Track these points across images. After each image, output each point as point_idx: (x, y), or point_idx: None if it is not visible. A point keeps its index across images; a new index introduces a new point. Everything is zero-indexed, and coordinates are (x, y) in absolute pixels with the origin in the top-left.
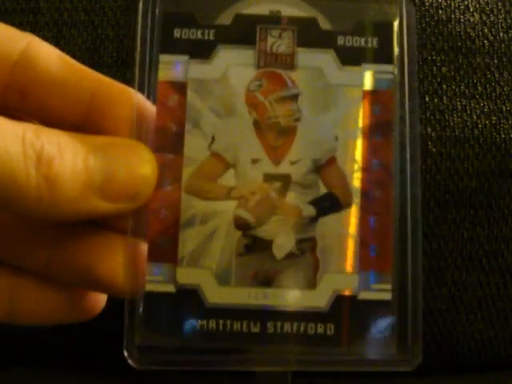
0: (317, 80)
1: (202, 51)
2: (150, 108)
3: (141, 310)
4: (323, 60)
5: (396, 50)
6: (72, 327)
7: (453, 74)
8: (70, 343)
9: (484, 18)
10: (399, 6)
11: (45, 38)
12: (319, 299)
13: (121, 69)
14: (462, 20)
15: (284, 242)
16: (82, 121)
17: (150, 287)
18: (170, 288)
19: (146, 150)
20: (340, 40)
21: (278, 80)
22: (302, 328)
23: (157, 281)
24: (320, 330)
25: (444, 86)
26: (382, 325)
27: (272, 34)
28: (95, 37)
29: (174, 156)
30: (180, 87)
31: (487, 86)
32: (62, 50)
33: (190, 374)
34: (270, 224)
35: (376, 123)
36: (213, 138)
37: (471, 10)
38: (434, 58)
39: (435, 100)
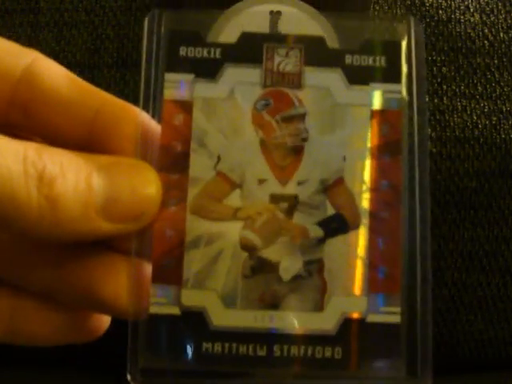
0: (324, 99)
1: (208, 70)
2: (155, 127)
3: (144, 332)
4: (331, 79)
5: (404, 68)
6: None
7: (453, 74)
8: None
9: (484, 19)
10: (407, 25)
11: (45, 38)
12: (327, 322)
13: (121, 69)
14: (462, 20)
15: (291, 264)
16: (85, 139)
17: (154, 309)
18: (175, 310)
19: (150, 169)
20: (348, 59)
21: (284, 99)
22: (309, 351)
23: (161, 303)
24: (327, 353)
25: (444, 87)
26: (390, 348)
27: (279, 52)
28: (95, 37)
29: (179, 176)
30: (186, 106)
31: (487, 86)
32: (63, 50)
33: None
34: (276, 245)
35: (384, 143)
36: (218, 158)
37: (471, 10)
38: (434, 58)
39: (435, 100)
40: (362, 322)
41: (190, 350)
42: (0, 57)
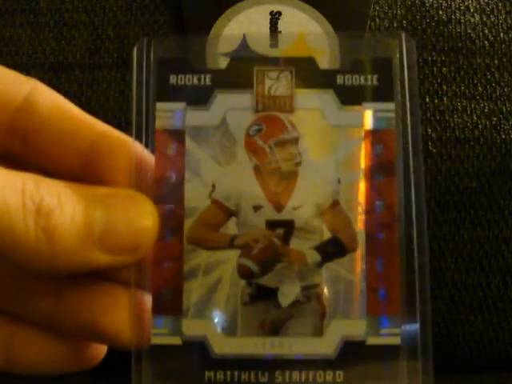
0: (317, 122)
1: (199, 97)
2: (149, 157)
3: (147, 363)
4: (323, 101)
5: (397, 86)
6: None
7: (453, 74)
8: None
9: (484, 19)
10: (399, 41)
11: (46, 39)
12: (327, 346)
13: (121, 69)
14: (462, 21)
15: (289, 290)
16: (81, 170)
17: (155, 340)
18: (176, 340)
19: (147, 201)
20: (339, 79)
21: (277, 124)
22: (310, 376)
23: (162, 333)
24: (329, 377)
25: (444, 87)
26: (392, 369)
27: (269, 76)
28: (96, 37)
29: (174, 206)
30: (178, 135)
31: (487, 86)
32: (63, 50)
33: None
34: (274, 272)
35: (378, 163)
36: (213, 186)
37: (472, 10)
38: (434, 58)
39: (436, 101)
40: (362, 344)
41: (193, 379)
42: (0, 86)
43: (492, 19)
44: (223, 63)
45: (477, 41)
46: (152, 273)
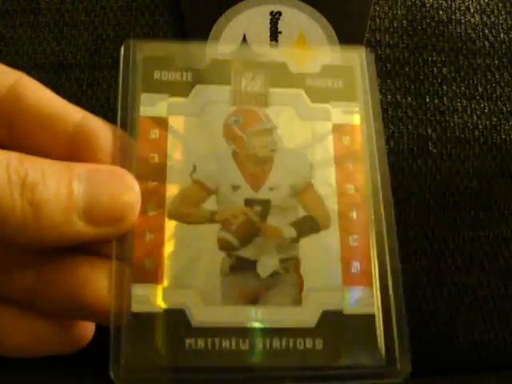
0: (289, 116)
1: (180, 90)
2: (132, 142)
3: (127, 330)
4: (294, 98)
5: (359, 90)
6: None
7: (453, 74)
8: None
9: (485, 19)
10: (359, 54)
11: (46, 39)
12: (306, 315)
13: None
14: (462, 21)
15: (268, 262)
16: (65, 153)
17: (136, 308)
18: (157, 308)
19: (129, 175)
20: (309, 81)
21: (253, 116)
22: (290, 344)
23: (143, 301)
24: (308, 345)
25: (444, 87)
26: (368, 338)
27: (246, 76)
28: (96, 37)
29: (157, 183)
30: (161, 122)
31: (488, 86)
32: (63, 50)
33: None
34: (253, 245)
35: (347, 152)
36: (194, 167)
37: (472, 11)
38: (434, 58)
39: (436, 101)
40: (339, 314)
41: (173, 347)
42: None
43: (492, 19)
44: (204, 64)
45: (477, 41)
46: (134, 244)
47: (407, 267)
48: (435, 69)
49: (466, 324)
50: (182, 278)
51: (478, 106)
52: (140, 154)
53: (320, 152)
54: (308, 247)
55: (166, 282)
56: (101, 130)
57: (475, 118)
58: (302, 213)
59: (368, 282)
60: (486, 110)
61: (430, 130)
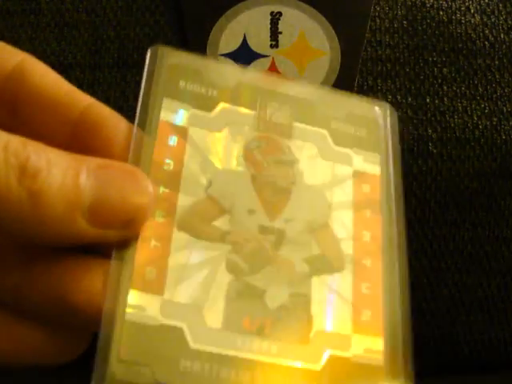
0: (312, 153)
1: (204, 104)
2: (149, 143)
3: (118, 340)
4: (318, 136)
5: (382, 143)
6: None
7: (454, 75)
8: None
9: (485, 20)
10: (384, 109)
11: (46, 39)
12: (312, 356)
13: (122, 70)
14: (462, 21)
15: (277, 293)
16: (68, 140)
17: (131, 317)
18: (154, 321)
19: (144, 176)
20: (334, 124)
21: (275, 145)
22: None
23: (139, 311)
24: None
25: (445, 87)
26: None
27: (271, 105)
28: (96, 38)
29: (169, 191)
30: (181, 130)
31: (488, 87)
32: (64, 50)
33: None
34: (263, 273)
35: (366, 200)
36: (210, 182)
37: (472, 11)
38: (434, 59)
39: (436, 101)
40: (346, 360)
41: (166, 365)
42: None
43: (492, 20)
44: (231, 84)
45: (477, 41)
46: (138, 249)
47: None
48: (435, 69)
49: (467, 324)
50: (184, 293)
51: (478, 107)
52: (155, 158)
53: (339, 194)
54: (320, 286)
55: (167, 295)
56: (109, 118)
57: (475, 118)
58: (316, 250)
59: (377, 332)
60: (486, 111)
61: (430, 131)
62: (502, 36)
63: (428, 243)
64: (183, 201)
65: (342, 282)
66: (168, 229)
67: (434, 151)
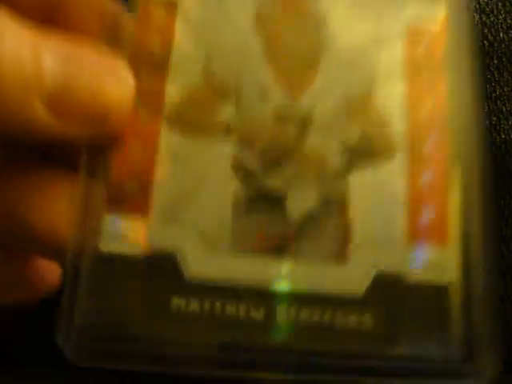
0: (347, 4)
1: None
2: (128, 18)
3: (89, 276)
4: None
5: None
6: None
7: None
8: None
9: (484, 19)
10: None
11: None
12: (351, 279)
13: None
14: None
15: (302, 198)
16: (41, 14)
17: (106, 247)
18: (136, 250)
19: (121, 62)
20: None
21: (295, 3)
22: (325, 317)
23: (117, 238)
24: (352, 321)
25: None
26: (438, 318)
27: None
28: None
29: (155, 78)
30: (168, 3)
31: (487, 86)
32: None
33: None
34: (282, 174)
35: (423, 60)
36: (209, 60)
37: (471, 10)
38: None
39: None
40: (399, 279)
41: (154, 306)
42: None
43: (492, 19)
44: None
45: (476, 41)
46: (114, 158)
47: None
48: None
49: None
50: (177, 211)
51: None
52: (137, 37)
53: (387, 56)
54: (361, 183)
55: (153, 216)
56: None
57: None
58: (355, 135)
59: (444, 237)
60: (485, 110)
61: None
62: (501, 35)
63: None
64: (174, 90)
65: (391, 172)
66: (154, 128)
67: None
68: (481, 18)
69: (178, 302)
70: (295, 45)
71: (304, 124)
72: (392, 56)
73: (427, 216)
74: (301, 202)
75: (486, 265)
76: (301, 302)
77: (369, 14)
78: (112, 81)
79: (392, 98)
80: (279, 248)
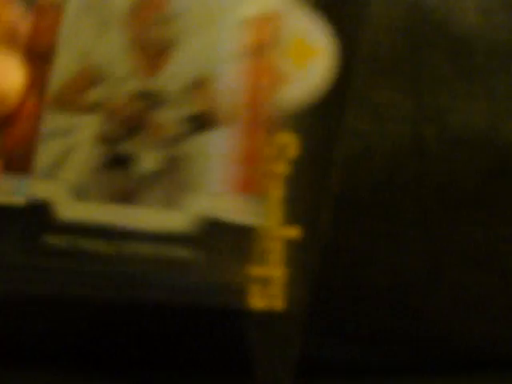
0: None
1: None
2: (23, 12)
3: None
4: None
5: None
6: (71, 327)
7: (453, 74)
8: (69, 342)
9: (484, 19)
10: None
11: None
12: (181, 220)
13: None
14: (462, 20)
15: (149, 159)
16: None
17: None
18: (19, 200)
19: (12, 53)
20: None
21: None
22: (160, 250)
23: (6, 193)
24: (180, 252)
25: (444, 87)
26: (243, 250)
27: None
28: None
29: (41, 67)
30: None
31: (487, 86)
32: None
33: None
34: (136, 139)
35: (264, 45)
36: (84, 53)
37: (471, 10)
38: (433, 58)
39: (435, 100)
40: (218, 221)
41: (31, 243)
42: None
43: (492, 19)
44: None
45: (476, 41)
46: (5, 131)
47: (407, 267)
48: (435, 68)
49: (466, 324)
50: (52, 169)
51: (477, 106)
52: (30, 36)
53: (229, 44)
54: (197, 146)
55: (34, 173)
56: None
57: (475, 117)
58: (197, 107)
59: (255, 189)
60: (485, 110)
61: (429, 130)
62: (501, 35)
63: (428, 243)
64: (56, 75)
65: (222, 137)
66: (39, 107)
67: (433, 150)
68: (481, 18)
69: (51, 238)
70: (152, 37)
71: (157, 99)
72: (231, 41)
73: (239, 171)
74: (148, 161)
75: (286, 209)
76: (142, 239)
77: (212, 8)
78: (6, 67)
79: (233, 78)
80: (127, 198)
